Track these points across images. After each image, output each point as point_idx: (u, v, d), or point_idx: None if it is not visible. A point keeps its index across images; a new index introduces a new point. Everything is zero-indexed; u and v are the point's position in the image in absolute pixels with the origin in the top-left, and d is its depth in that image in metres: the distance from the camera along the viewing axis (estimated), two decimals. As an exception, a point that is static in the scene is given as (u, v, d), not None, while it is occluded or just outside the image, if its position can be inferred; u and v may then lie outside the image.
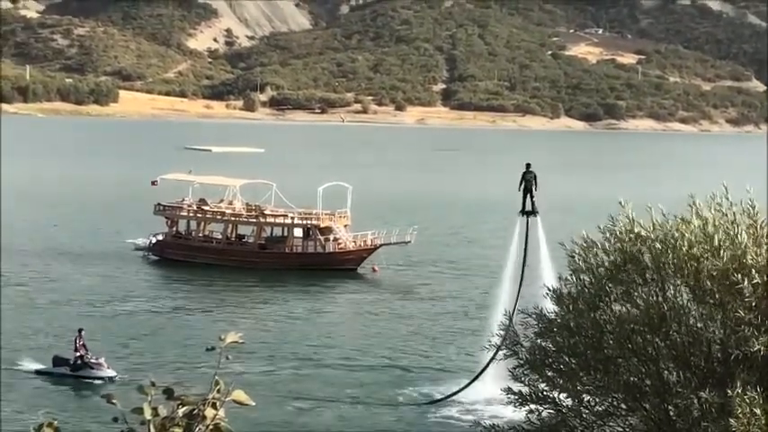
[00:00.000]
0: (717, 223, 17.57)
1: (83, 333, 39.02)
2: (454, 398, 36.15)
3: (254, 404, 4.90)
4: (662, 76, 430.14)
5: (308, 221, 63.41)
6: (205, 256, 62.84)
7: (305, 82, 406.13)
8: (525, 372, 19.46)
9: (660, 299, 17.87)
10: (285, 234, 63.97)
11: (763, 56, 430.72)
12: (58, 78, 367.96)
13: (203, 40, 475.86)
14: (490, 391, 32.58)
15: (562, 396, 18.96)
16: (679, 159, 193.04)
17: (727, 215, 17.75)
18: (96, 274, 59.26)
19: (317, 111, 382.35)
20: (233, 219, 64.95)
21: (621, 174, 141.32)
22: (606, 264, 18.57)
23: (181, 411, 4.74)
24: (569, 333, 18.64)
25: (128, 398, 4.87)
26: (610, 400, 18.60)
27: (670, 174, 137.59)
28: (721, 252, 17.06)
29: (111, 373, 37.82)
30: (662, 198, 20.04)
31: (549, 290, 19.60)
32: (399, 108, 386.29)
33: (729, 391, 15.86)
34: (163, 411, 4.75)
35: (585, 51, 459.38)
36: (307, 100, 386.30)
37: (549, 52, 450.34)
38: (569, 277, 19.18)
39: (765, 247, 17.22)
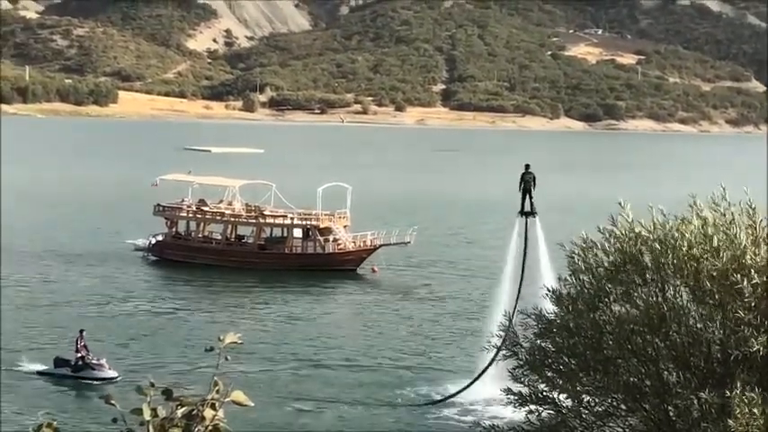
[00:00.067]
0: (716, 224, 17.58)
1: (84, 334, 38.98)
2: (454, 398, 36.17)
3: (253, 405, 4.90)
4: (661, 77, 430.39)
5: (308, 222, 63.42)
6: (205, 257, 62.84)
7: (304, 83, 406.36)
8: (525, 372, 19.44)
9: (660, 299, 17.87)
10: (285, 235, 63.98)
11: (763, 56, 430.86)
12: (57, 79, 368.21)
13: (203, 40, 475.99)
14: (490, 392, 32.58)
15: (562, 397, 18.95)
16: (679, 160, 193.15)
17: (725, 215, 17.76)
18: (96, 274, 59.28)
19: (316, 111, 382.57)
20: (232, 219, 64.96)
21: (621, 174, 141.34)
22: (606, 264, 18.56)
23: (180, 412, 4.74)
24: (569, 334, 18.63)
25: (127, 398, 4.86)
26: (609, 400, 18.59)
27: (669, 174, 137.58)
28: (721, 252, 17.06)
29: (112, 374, 37.76)
30: (661, 199, 20.01)
31: (549, 290, 19.59)
32: (399, 109, 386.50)
33: (728, 392, 15.86)
34: (162, 412, 4.75)
35: (585, 52, 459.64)
36: (306, 101, 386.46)
37: (549, 53, 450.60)
38: (569, 278, 19.18)
39: (764, 248, 17.22)
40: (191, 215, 66.32)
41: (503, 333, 21.97)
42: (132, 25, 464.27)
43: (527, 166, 37.46)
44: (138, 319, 48.47)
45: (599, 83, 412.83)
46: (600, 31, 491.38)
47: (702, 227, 17.54)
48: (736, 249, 17.02)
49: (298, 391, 37.26)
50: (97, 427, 30.98)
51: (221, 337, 4.97)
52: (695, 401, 17.05)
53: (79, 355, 38.01)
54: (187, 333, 45.26)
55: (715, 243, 17.18)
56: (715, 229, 17.41)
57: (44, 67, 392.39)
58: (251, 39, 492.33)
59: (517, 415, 20.49)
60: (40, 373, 38.35)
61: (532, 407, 19.21)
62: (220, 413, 4.77)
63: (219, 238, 64.83)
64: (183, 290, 56.69)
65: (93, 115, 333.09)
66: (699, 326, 17.60)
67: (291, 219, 63.91)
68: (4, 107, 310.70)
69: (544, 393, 19.08)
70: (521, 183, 37.38)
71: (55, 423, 4.76)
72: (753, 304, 16.73)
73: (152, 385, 4.76)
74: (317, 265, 61.51)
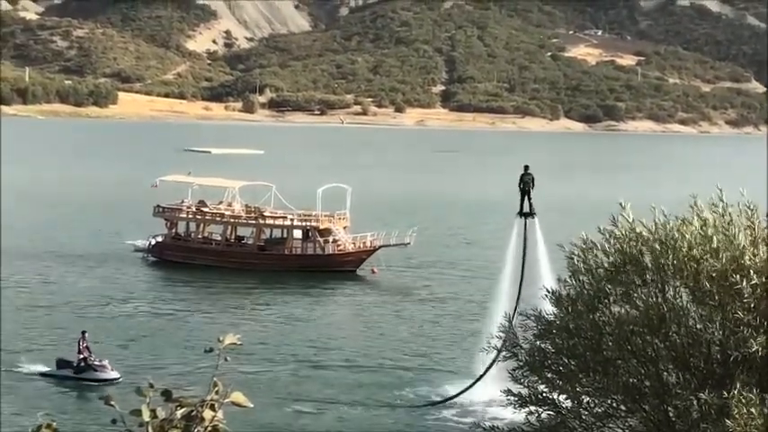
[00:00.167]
0: (715, 224, 17.58)
1: (86, 335, 38.91)
2: (454, 399, 36.17)
3: (252, 406, 4.90)
4: (661, 78, 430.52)
5: (308, 223, 63.39)
6: (204, 258, 62.83)
7: (304, 84, 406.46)
8: (525, 373, 19.45)
9: (660, 300, 17.87)
10: (284, 236, 63.95)
11: (763, 57, 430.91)
12: (57, 80, 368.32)
13: (202, 41, 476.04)
14: (490, 393, 32.58)
15: (562, 397, 18.95)
16: (678, 161, 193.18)
17: (724, 216, 17.76)
18: (95, 275, 59.27)
19: (316, 112, 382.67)
20: (232, 220, 64.94)
21: (621, 175, 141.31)
22: (605, 265, 18.56)
23: (179, 413, 4.74)
24: (568, 335, 18.63)
25: (126, 399, 4.86)
26: (609, 401, 18.59)
27: (669, 175, 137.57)
28: (720, 253, 17.06)
29: (115, 375, 37.70)
30: (661, 199, 20.02)
31: (548, 291, 19.59)
32: (399, 110, 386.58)
33: (725, 393, 15.86)
34: (161, 413, 4.74)
35: (585, 53, 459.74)
36: (306, 102, 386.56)
37: (549, 54, 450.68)
38: (568, 279, 19.17)
39: (763, 249, 17.22)
40: (190, 216, 66.29)
41: (502, 334, 21.95)
42: (132, 26, 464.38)
43: (526, 167, 37.49)
44: (138, 320, 48.44)
45: (599, 84, 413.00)
46: (599, 33, 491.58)
47: (702, 228, 17.54)
48: (735, 250, 17.03)
49: (297, 392, 37.23)
50: (97, 428, 30.98)
51: (221, 338, 4.97)
52: (695, 402, 17.05)
53: (81, 356, 37.93)
54: (187, 334, 45.24)
55: (715, 244, 17.18)
56: (715, 230, 17.42)
57: (44, 69, 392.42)
58: (251, 40, 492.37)
59: (517, 416, 20.51)
60: (42, 374, 38.31)
61: (532, 408, 19.22)
62: (220, 414, 4.76)
63: (219, 239, 64.81)
64: (183, 291, 56.66)
65: (93, 116, 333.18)
66: (698, 327, 17.61)
67: (291, 220, 63.88)
68: (4, 108, 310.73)
69: (544, 394, 19.08)
70: (520, 183, 37.41)
71: (54, 424, 4.76)
72: (752, 305, 16.74)
73: (151, 386, 4.76)
74: (316, 267, 61.49)
